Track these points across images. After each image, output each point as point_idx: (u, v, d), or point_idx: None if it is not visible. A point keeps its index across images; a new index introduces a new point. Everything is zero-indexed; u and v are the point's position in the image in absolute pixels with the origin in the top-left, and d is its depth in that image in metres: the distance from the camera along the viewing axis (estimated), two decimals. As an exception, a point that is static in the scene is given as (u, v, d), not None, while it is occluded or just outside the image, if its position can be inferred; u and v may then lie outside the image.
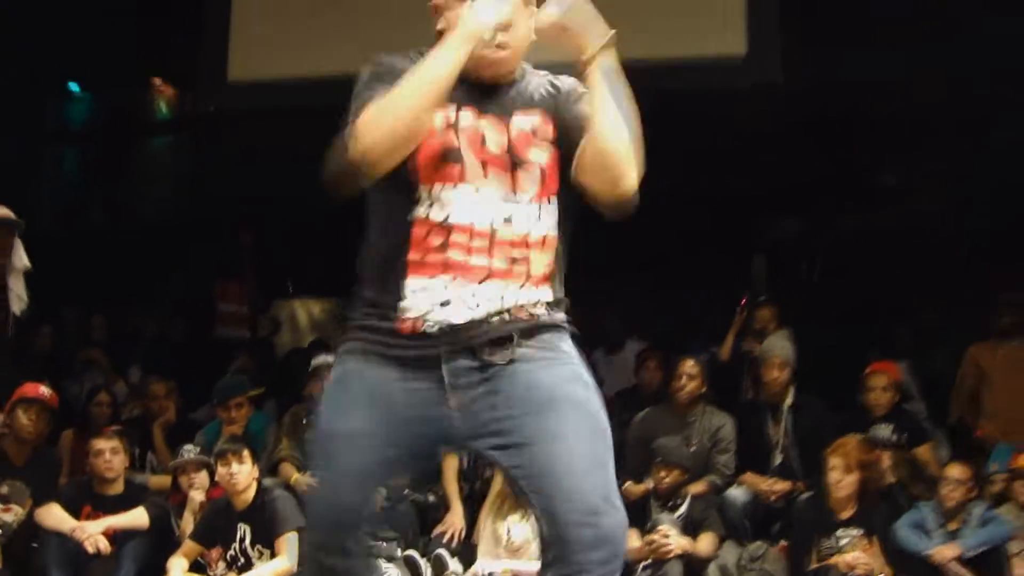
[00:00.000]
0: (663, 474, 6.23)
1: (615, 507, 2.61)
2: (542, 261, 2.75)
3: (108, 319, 9.63)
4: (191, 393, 8.42)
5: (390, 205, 2.73)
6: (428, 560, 6.33)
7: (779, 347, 6.93)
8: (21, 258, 6.77)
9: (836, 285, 10.08)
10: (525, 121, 2.76)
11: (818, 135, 9.77)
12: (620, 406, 7.49)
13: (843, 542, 5.85)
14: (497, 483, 6.41)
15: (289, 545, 6.08)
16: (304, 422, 7.18)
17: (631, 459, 6.66)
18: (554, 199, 2.77)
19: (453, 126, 2.71)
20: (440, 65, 2.59)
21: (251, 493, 6.20)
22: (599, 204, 2.75)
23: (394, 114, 2.57)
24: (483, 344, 2.67)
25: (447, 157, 2.68)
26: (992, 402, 7.57)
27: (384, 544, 6.31)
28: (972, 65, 8.77)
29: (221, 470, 6.18)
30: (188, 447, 6.80)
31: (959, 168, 9.88)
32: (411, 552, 6.39)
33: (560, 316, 2.79)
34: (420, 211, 2.69)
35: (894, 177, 10.47)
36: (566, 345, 2.78)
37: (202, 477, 6.59)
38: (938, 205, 10.05)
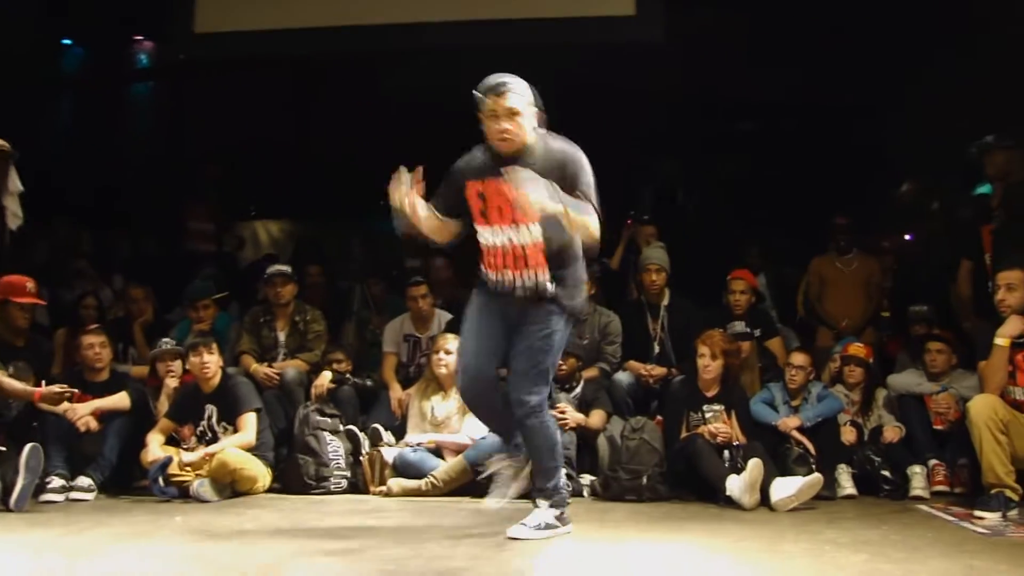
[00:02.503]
0: (561, 362, 6.17)
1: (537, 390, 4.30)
2: (536, 257, 4.24)
3: (93, 236, 9.33)
4: (167, 298, 8.23)
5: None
6: (366, 433, 6.24)
7: (656, 256, 6.93)
8: (15, 182, 6.51)
9: (705, 212, 10.13)
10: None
11: (692, 91, 9.73)
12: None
13: (708, 415, 5.87)
14: (428, 370, 6.32)
15: (249, 422, 6.03)
16: (261, 321, 7.02)
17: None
18: (537, 224, 4.17)
19: (482, 194, 4.27)
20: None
21: (217, 379, 6.16)
22: None
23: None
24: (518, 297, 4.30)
25: (481, 213, 4.30)
26: (832, 304, 7.65)
27: (329, 420, 6.23)
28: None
29: (194, 360, 6.11)
30: (166, 340, 6.70)
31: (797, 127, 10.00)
32: (352, 427, 6.32)
33: (551, 288, 4.26)
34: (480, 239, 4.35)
35: (751, 124, 10.52)
36: (551, 306, 4.29)
37: (177, 365, 6.49)
38: (785, 153, 10.20)
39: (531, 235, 4.21)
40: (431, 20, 7.98)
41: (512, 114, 4.15)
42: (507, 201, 4.15)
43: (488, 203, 4.25)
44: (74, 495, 5.72)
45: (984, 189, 6.91)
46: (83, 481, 5.80)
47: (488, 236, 4.30)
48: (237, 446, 5.88)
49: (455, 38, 8.05)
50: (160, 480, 5.73)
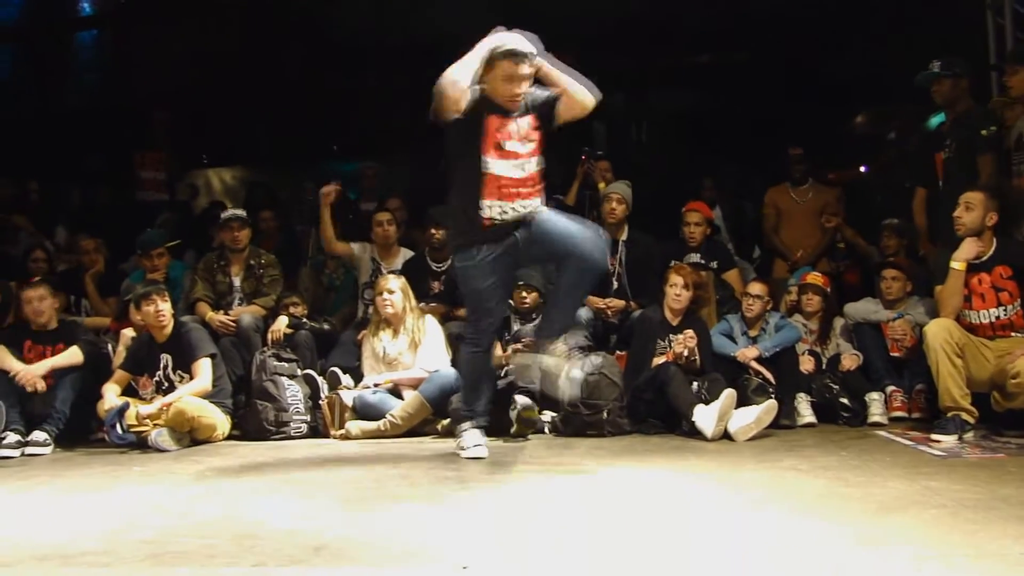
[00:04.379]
0: (524, 295, 6.15)
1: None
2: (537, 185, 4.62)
3: (41, 187, 9.11)
4: (120, 248, 8.09)
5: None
6: (324, 377, 6.17)
7: (619, 188, 6.85)
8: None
9: (659, 146, 10.08)
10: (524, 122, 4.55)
11: (645, 23, 9.62)
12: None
13: (673, 344, 5.85)
14: (375, 311, 6.23)
15: (204, 368, 5.95)
16: (215, 267, 6.90)
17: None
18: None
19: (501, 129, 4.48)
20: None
21: (170, 328, 6.04)
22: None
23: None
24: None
25: (496, 145, 4.48)
26: (787, 235, 7.65)
27: (287, 365, 6.15)
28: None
29: (147, 308, 5.98)
30: (143, 283, 6.45)
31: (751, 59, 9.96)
32: (310, 371, 6.24)
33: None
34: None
35: (707, 57, 10.44)
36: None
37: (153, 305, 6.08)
38: (740, 86, 10.16)
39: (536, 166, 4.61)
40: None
41: (525, 80, 4.42)
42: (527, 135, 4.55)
43: (502, 139, 4.48)
44: (30, 450, 5.63)
45: (938, 119, 6.91)
46: (38, 435, 5.71)
47: (497, 167, 4.49)
48: (194, 393, 5.80)
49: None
50: (118, 427, 5.63)
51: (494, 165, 4.48)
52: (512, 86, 4.41)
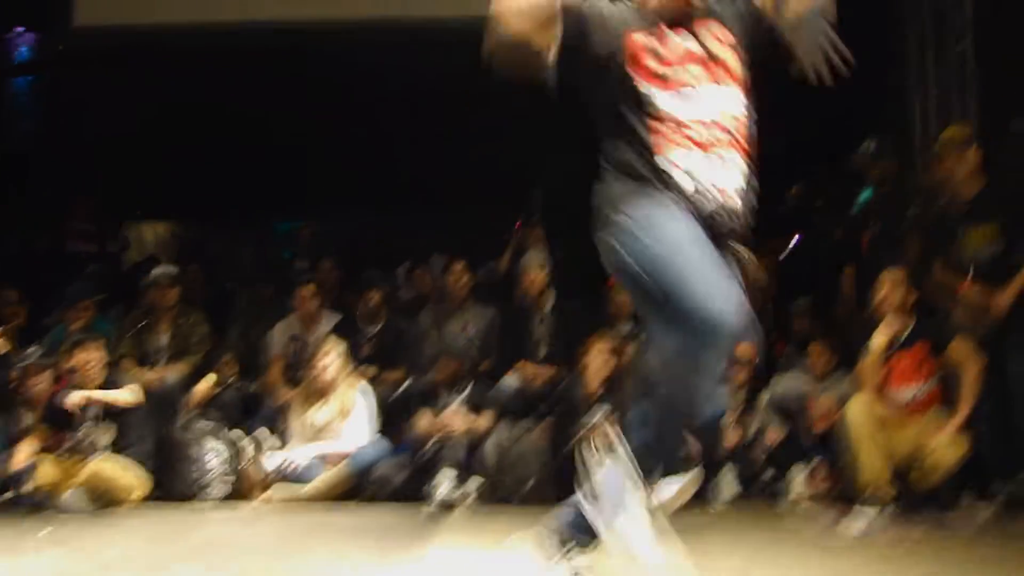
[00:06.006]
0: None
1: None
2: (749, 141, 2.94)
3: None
4: (46, 301, 7.94)
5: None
6: (249, 439, 6.10)
7: (535, 256, 6.90)
8: None
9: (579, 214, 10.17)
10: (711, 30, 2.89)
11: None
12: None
13: (595, 418, 5.85)
14: (306, 380, 6.19)
15: (131, 388, 5.93)
16: (141, 325, 6.82)
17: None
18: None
19: (656, 50, 2.81)
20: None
21: (100, 380, 5.92)
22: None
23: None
24: None
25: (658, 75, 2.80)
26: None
27: (211, 425, 6.08)
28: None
29: (81, 356, 5.87)
30: (31, 349, 6.37)
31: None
32: (235, 432, 6.17)
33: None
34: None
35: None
36: None
37: (44, 377, 6.11)
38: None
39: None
40: (325, 18, 7.83)
41: None
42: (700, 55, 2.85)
43: (663, 60, 2.82)
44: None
45: (866, 195, 7.08)
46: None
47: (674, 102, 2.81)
48: (120, 401, 5.79)
49: (348, 38, 7.94)
50: (23, 488, 5.47)
51: (662, 99, 2.82)
52: None
